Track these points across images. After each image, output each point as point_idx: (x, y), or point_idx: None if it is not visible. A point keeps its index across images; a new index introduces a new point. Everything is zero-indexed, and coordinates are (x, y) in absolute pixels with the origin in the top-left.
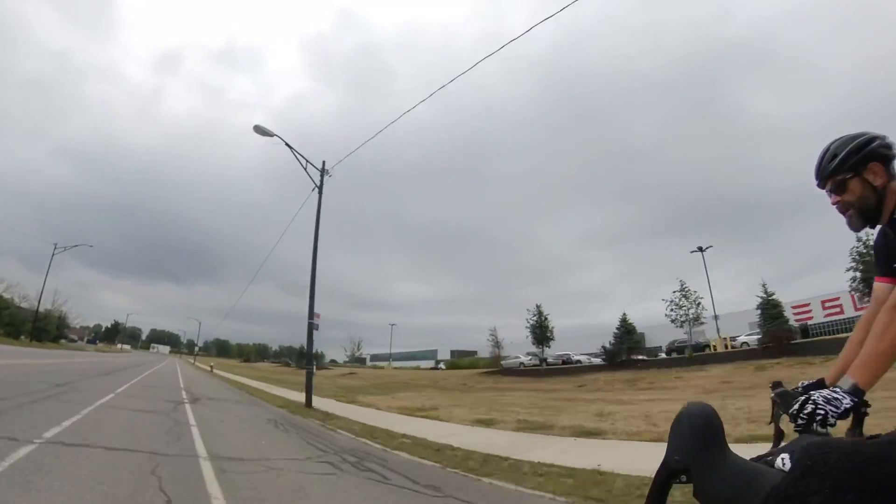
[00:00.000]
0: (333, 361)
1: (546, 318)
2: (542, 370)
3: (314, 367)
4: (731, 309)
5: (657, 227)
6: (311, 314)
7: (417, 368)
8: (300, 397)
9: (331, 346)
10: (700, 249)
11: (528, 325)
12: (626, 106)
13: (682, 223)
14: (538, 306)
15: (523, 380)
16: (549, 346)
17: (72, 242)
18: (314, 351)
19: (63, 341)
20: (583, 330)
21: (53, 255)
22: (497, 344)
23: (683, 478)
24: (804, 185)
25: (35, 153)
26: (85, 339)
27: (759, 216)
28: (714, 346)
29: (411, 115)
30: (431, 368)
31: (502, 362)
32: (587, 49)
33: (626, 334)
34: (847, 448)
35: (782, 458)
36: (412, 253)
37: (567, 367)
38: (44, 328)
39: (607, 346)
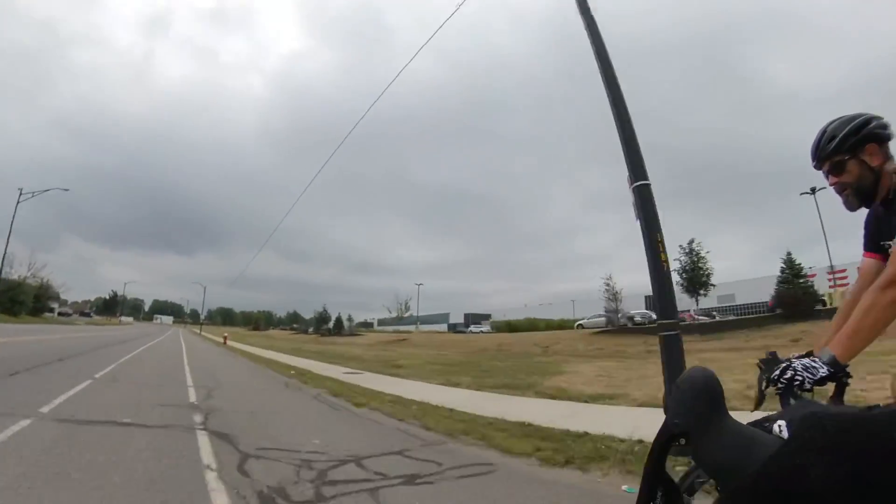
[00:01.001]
0: (338, 326)
1: (702, 259)
2: (692, 326)
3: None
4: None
5: (662, 191)
6: (639, 172)
7: (434, 332)
8: (499, 407)
9: (335, 311)
10: (812, 191)
11: (679, 265)
12: (636, 66)
13: (688, 189)
14: (690, 242)
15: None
16: (705, 295)
17: (69, 215)
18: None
19: (48, 315)
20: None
21: (18, 202)
22: (614, 296)
23: (683, 441)
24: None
25: (26, 126)
26: (79, 313)
27: (767, 186)
28: (829, 300)
29: (415, 73)
30: (456, 332)
31: (581, 322)
32: (598, 5)
33: (795, 278)
34: (845, 420)
35: (779, 426)
36: (414, 216)
37: (730, 322)
38: (16, 299)
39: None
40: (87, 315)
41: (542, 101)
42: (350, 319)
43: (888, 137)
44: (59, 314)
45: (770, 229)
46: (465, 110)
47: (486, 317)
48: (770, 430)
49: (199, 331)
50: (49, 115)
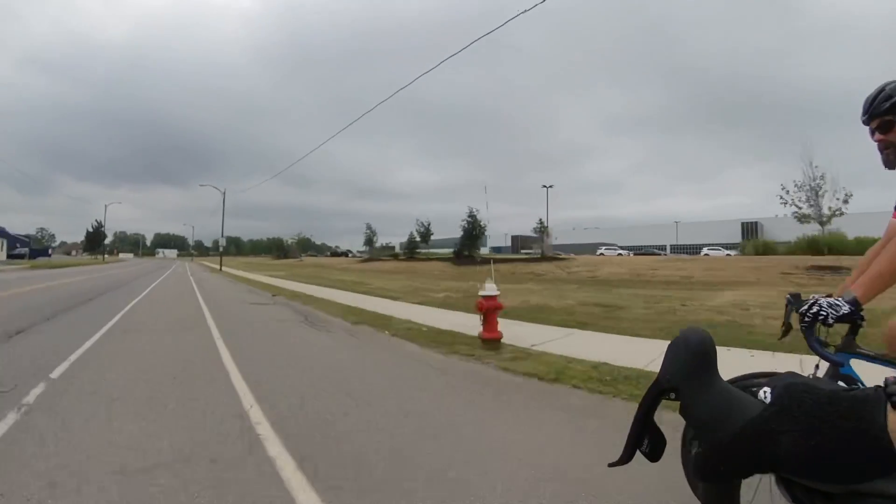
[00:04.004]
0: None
1: None
2: None
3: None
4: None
5: (686, 118)
6: None
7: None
8: None
9: (337, 236)
10: None
11: None
12: None
13: (714, 116)
14: None
15: None
16: None
17: (63, 158)
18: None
19: None
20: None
21: None
22: None
23: (672, 395)
24: (850, 97)
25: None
26: (31, 252)
27: (798, 121)
28: None
29: None
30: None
31: None
32: None
33: None
34: (822, 396)
35: (765, 391)
36: (419, 137)
37: None
38: None
39: None
40: (46, 254)
41: (559, 11)
42: (543, 233)
43: None
44: (10, 256)
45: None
46: (477, 20)
47: (536, 240)
48: (756, 394)
49: (218, 266)
50: (20, 53)
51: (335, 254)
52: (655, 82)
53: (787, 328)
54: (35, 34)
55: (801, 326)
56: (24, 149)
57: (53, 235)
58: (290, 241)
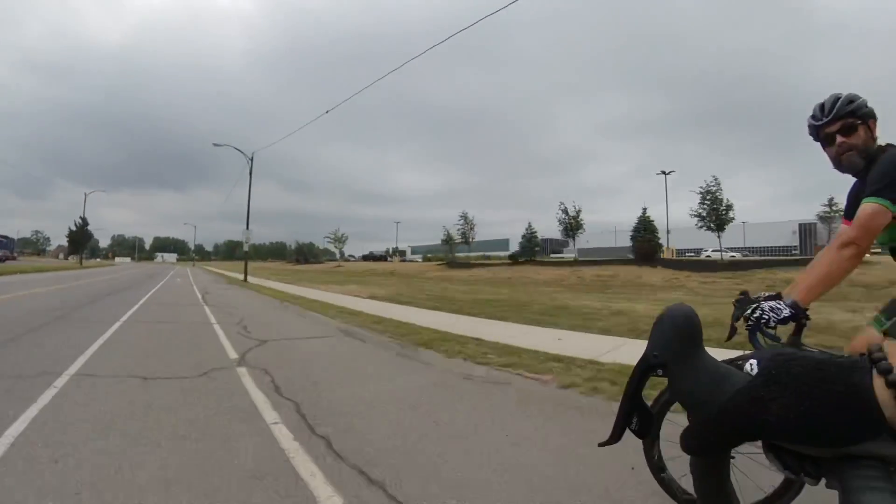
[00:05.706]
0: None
1: None
2: None
3: None
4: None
5: (687, 122)
6: None
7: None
8: None
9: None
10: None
11: None
12: None
13: (716, 121)
14: None
15: None
16: None
17: (62, 162)
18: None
19: None
20: None
21: None
22: None
23: (660, 372)
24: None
25: None
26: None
27: (801, 125)
28: None
29: None
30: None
31: None
32: None
33: None
34: (810, 363)
35: (750, 364)
36: (418, 141)
37: None
38: None
39: None
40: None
41: (556, 14)
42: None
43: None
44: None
45: (792, 174)
46: (479, 27)
47: (564, 244)
48: (742, 368)
49: (234, 274)
50: (18, 55)
51: (371, 258)
52: (657, 86)
53: (733, 330)
54: (34, 37)
55: (746, 329)
56: (23, 153)
57: (48, 238)
58: (328, 241)
